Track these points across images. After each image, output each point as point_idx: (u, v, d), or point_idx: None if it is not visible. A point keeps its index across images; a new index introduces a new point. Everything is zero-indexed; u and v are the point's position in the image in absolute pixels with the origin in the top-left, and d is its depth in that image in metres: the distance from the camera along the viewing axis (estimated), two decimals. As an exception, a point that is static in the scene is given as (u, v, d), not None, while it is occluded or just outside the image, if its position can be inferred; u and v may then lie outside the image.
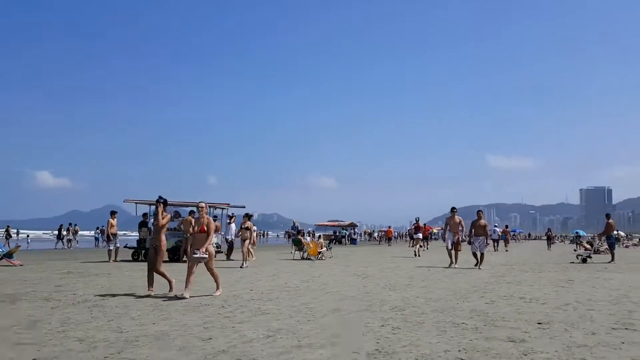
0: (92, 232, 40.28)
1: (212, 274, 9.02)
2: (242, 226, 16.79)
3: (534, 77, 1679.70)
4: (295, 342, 5.34)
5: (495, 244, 32.32)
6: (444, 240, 16.97)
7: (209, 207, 21.03)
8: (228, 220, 21.21)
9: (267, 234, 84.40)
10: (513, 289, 10.05)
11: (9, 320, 6.53)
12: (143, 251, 18.24)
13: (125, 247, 20.30)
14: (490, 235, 29.28)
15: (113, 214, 19.31)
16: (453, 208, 16.45)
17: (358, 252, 28.02)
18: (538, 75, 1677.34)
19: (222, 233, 21.36)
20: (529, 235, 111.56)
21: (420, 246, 25.15)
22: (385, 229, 54.62)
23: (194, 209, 19.00)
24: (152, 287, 9.15)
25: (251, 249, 17.64)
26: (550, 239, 39.13)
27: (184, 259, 11.49)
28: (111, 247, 18.52)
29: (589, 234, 67.65)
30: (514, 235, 58.65)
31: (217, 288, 9.06)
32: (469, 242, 15.80)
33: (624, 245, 41.34)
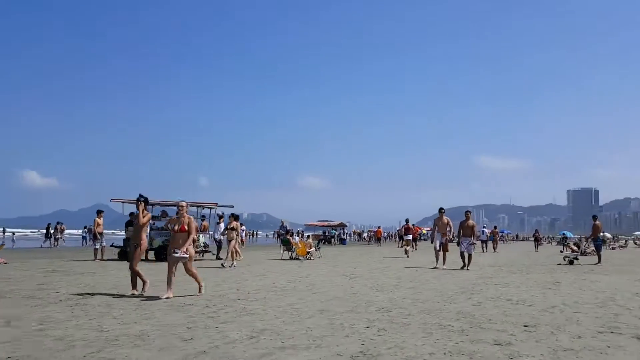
0: (80, 231, 39.88)
1: (192, 275, 8.82)
2: (228, 226, 16.65)
3: (523, 77, 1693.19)
4: (278, 344, 5.25)
5: (484, 245, 32.43)
6: (432, 242, 16.95)
7: (197, 206, 20.99)
8: (217, 220, 21.09)
9: (256, 234, 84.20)
10: (500, 291, 10.04)
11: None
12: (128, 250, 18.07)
13: (111, 246, 20.09)
14: (479, 236, 29.41)
15: (99, 212, 19.12)
16: (441, 208, 16.40)
17: (347, 253, 27.96)
18: (527, 76, 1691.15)
19: (211, 233, 21.22)
20: (517, 236, 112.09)
21: (410, 247, 25.20)
22: (375, 229, 54.63)
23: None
24: (137, 287, 9.03)
25: (238, 249, 17.50)
26: (537, 240, 39.33)
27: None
28: (97, 246, 18.35)
29: (576, 235, 68.29)
30: (502, 236, 58.90)
31: (199, 288, 8.90)
32: (458, 243, 15.78)
33: (610, 247, 41.64)
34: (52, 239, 33.15)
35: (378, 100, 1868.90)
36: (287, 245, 20.94)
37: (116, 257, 18.65)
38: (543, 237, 68.30)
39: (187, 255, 8.56)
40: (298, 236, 27.44)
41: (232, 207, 20.99)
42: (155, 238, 18.22)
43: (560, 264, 18.84)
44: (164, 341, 5.29)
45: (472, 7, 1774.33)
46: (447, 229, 16.25)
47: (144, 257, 18.14)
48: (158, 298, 8.32)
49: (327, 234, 49.83)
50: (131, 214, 19.23)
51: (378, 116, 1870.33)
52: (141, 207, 9.13)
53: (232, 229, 16.37)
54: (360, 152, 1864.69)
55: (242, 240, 21.35)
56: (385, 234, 66.81)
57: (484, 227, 35.87)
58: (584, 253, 22.67)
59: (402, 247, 31.79)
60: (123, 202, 19.17)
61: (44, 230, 34.43)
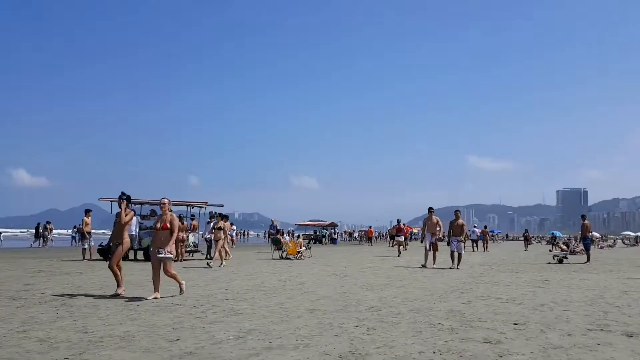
0: (69, 231, 39.47)
1: (171, 276, 8.51)
2: (215, 226, 16.49)
3: (512, 77, 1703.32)
4: (266, 344, 5.18)
5: (474, 245, 32.53)
6: (422, 241, 16.93)
7: (187, 205, 20.82)
8: (208, 220, 20.93)
9: (247, 234, 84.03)
10: (490, 290, 10.03)
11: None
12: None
13: (99, 246, 19.86)
14: (469, 235, 29.51)
15: (87, 212, 18.92)
16: (430, 208, 16.38)
17: (338, 252, 27.91)
18: (516, 76, 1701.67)
19: (201, 232, 21.07)
20: (507, 236, 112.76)
21: (402, 247, 25.28)
22: (366, 229, 54.61)
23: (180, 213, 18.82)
24: (122, 285, 8.88)
25: (228, 249, 17.38)
26: (527, 240, 39.51)
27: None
28: (85, 246, 18.15)
29: (565, 235, 68.70)
30: (492, 235, 59.11)
31: (180, 288, 8.67)
32: (448, 243, 15.77)
33: (599, 246, 41.95)
34: (42, 238, 32.83)
35: (369, 100, 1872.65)
36: (277, 244, 20.84)
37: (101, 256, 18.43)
38: (533, 237, 68.66)
39: (172, 255, 8.42)
40: (288, 236, 27.32)
41: (222, 206, 20.87)
42: (144, 238, 18.04)
43: (549, 263, 18.93)
44: (149, 342, 5.20)
45: (466, 7, 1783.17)
46: (437, 229, 16.24)
47: (132, 257, 18.00)
48: (145, 299, 8.20)
49: (318, 233, 49.76)
50: (117, 214, 19.07)
51: (370, 116, 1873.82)
52: (123, 205, 8.98)
53: (220, 228, 16.22)
54: (352, 152, 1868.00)
55: (232, 240, 21.22)
56: (377, 233, 66.86)
57: (475, 226, 36.01)
58: (573, 252, 22.78)
59: (392, 246, 31.85)
60: (112, 202, 18.96)
61: (34, 230, 34.07)
